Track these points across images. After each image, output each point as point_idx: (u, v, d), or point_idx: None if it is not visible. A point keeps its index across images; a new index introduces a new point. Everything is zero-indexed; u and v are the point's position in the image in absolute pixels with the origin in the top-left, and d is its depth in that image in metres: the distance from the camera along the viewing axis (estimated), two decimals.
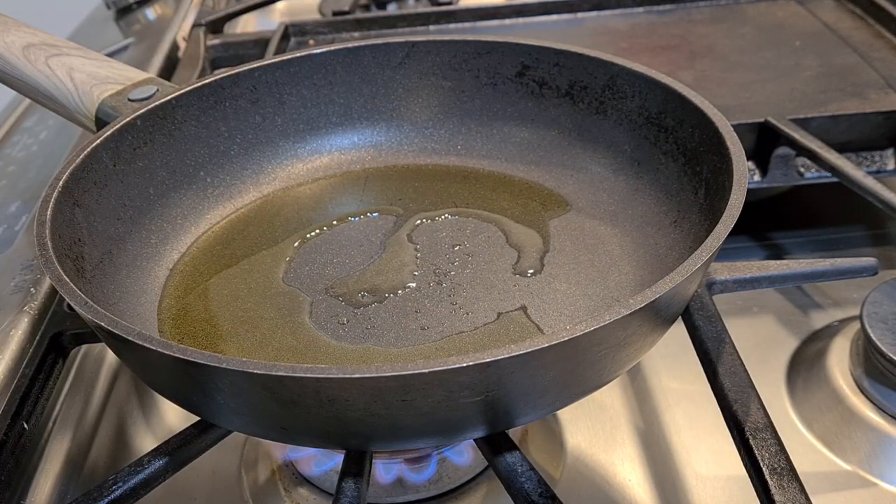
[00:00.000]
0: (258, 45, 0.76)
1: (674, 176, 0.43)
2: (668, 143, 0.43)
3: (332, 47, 0.51)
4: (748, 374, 0.36)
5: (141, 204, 0.45)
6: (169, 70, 0.77)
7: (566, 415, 0.46)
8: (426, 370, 0.26)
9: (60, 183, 0.39)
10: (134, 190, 0.45)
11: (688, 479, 0.42)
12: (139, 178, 0.45)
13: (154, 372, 0.32)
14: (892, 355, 0.41)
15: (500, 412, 0.30)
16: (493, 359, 0.26)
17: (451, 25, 0.76)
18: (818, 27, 0.69)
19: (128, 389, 0.50)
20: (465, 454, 0.41)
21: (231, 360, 0.27)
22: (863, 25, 0.69)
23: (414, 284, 0.42)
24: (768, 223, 0.61)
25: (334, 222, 0.48)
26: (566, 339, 0.27)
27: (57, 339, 0.45)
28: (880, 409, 0.43)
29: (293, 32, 0.77)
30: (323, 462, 0.42)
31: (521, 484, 0.32)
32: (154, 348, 0.28)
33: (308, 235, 0.47)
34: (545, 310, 0.40)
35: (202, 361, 0.27)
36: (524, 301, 0.40)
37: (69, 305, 0.46)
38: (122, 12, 0.94)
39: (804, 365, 0.47)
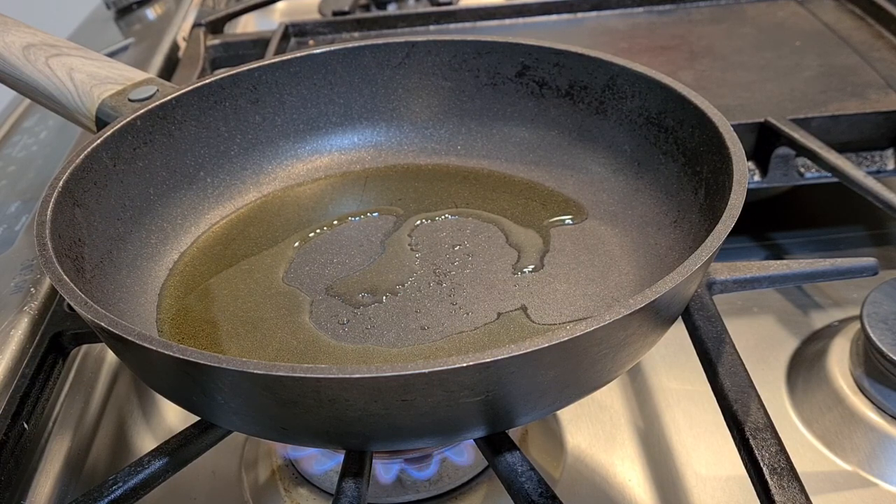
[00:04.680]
0: (258, 45, 0.76)
1: (674, 176, 0.43)
2: (668, 143, 0.43)
3: (332, 47, 0.51)
4: (748, 374, 0.36)
5: (141, 204, 0.45)
6: (169, 70, 0.77)
7: (566, 415, 0.46)
8: (426, 370, 0.26)
9: (60, 183, 0.39)
10: (134, 190, 0.45)
11: (688, 479, 0.42)
12: (139, 178, 0.45)
13: (154, 372, 0.32)
14: (892, 355, 0.41)
15: (500, 412, 0.30)
16: (493, 359, 0.26)
17: (451, 25, 0.76)
18: (818, 27, 0.69)
19: (128, 389, 0.50)
20: (465, 454, 0.41)
21: (231, 360, 0.27)
22: (863, 25, 0.69)
23: (414, 284, 0.42)
24: (768, 223, 0.61)
25: (334, 222, 0.48)
26: (566, 339, 0.27)
27: (57, 339, 0.45)
28: (880, 409, 0.43)
29: (293, 32, 0.77)
30: (323, 462, 0.42)
31: (522, 484, 0.32)
32: (154, 348, 0.28)
33: (308, 235, 0.47)
34: (545, 310, 0.40)
35: (202, 361, 0.27)
36: (524, 301, 0.40)
37: (69, 305, 0.46)
38: (122, 12, 0.94)
39: (804, 365, 0.47)
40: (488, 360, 0.26)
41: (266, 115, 0.50)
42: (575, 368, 0.30)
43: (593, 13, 0.77)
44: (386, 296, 0.42)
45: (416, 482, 0.41)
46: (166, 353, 0.28)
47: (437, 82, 0.51)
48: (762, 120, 0.54)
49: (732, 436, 0.34)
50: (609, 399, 0.47)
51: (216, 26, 0.82)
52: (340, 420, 0.29)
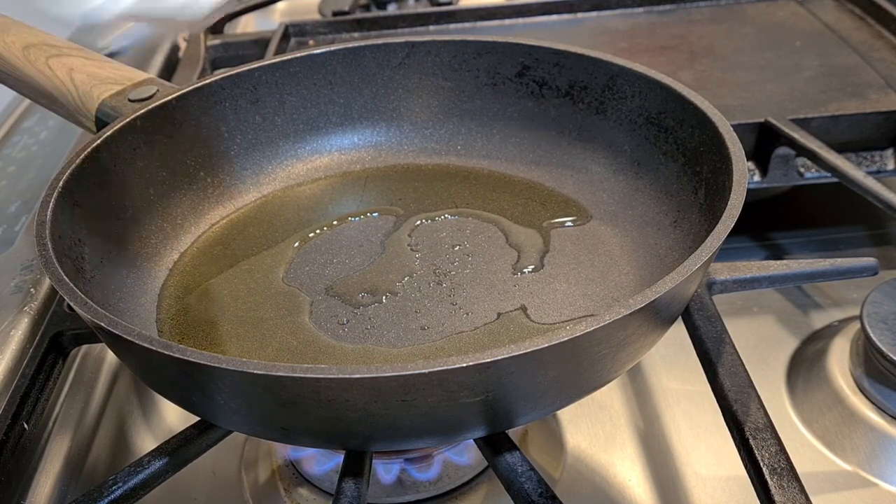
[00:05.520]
0: (258, 45, 0.76)
1: (674, 176, 0.43)
2: (668, 143, 0.43)
3: (332, 47, 0.51)
4: (748, 374, 0.36)
5: (141, 204, 0.45)
6: (169, 70, 0.77)
7: (566, 415, 0.46)
8: (426, 370, 0.26)
9: (60, 183, 0.39)
10: (134, 190, 0.45)
11: (688, 479, 0.42)
12: (139, 178, 0.45)
13: (154, 372, 0.32)
14: (892, 355, 0.41)
15: (500, 412, 0.30)
16: (493, 359, 0.26)
17: (451, 25, 0.76)
18: (818, 27, 0.69)
19: (128, 389, 0.50)
20: (465, 454, 0.41)
21: (231, 360, 0.27)
22: (863, 25, 0.69)
23: (414, 284, 0.42)
24: (768, 223, 0.61)
25: (334, 222, 0.48)
26: (566, 339, 0.27)
27: (57, 339, 0.45)
28: (880, 409, 0.43)
29: (293, 33, 0.77)
30: (323, 462, 0.42)
31: (521, 484, 0.32)
32: (154, 348, 0.28)
33: (308, 235, 0.47)
34: (545, 310, 0.40)
35: (202, 361, 0.27)
36: (524, 301, 0.40)
37: (69, 305, 0.46)
38: None
39: (804, 365, 0.47)
40: (488, 360, 0.26)
41: (266, 115, 0.50)
42: (575, 368, 0.30)
43: (593, 13, 0.77)
44: (386, 296, 0.42)
45: (416, 482, 0.41)
46: (166, 353, 0.28)
47: (437, 82, 0.51)
48: (762, 120, 0.54)
49: (732, 436, 0.34)
50: (609, 399, 0.47)
51: (216, 27, 0.82)
52: (340, 420, 0.29)
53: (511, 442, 0.34)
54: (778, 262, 0.41)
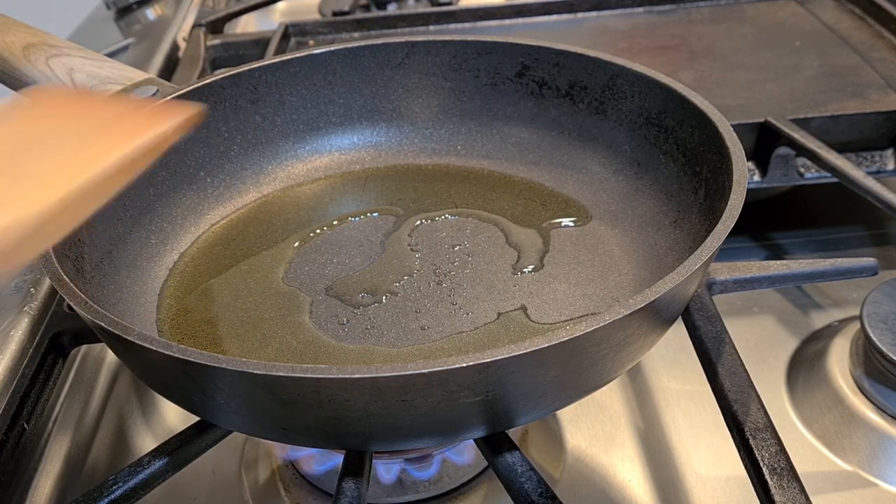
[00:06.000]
0: (258, 45, 0.76)
1: (674, 176, 0.43)
2: (668, 143, 0.43)
3: (332, 47, 0.51)
4: (748, 374, 0.36)
5: (141, 204, 0.45)
6: (169, 70, 0.77)
7: (566, 415, 0.46)
8: (426, 370, 0.26)
9: None
10: (134, 190, 0.45)
11: (688, 479, 0.42)
12: (139, 178, 0.45)
13: (154, 372, 0.32)
14: (892, 355, 0.41)
15: (499, 412, 0.30)
16: (493, 359, 0.26)
17: (451, 26, 0.76)
18: (818, 27, 0.69)
19: (128, 389, 0.50)
20: (465, 454, 0.41)
21: (231, 360, 0.27)
22: (863, 25, 0.69)
23: (414, 284, 0.42)
24: (768, 223, 0.61)
25: (334, 222, 0.48)
26: (566, 339, 0.27)
27: (57, 339, 0.45)
28: (880, 409, 0.43)
29: (293, 32, 0.77)
30: (323, 462, 0.42)
31: (521, 484, 0.32)
32: (154, 348, 0.28)
33: (308, 235, 0.47)
34: (545, 310, 0.40)
35: (202, 361, 0.27)
36: (524, 301, 0.40)
37: (69, 305, 0.46)
38: (122, 12, 0.94)
39: (804, 365, 0.47)
40: (488, 360, 0.26)
41: (266, 115, 0.50)
42: (575, 368, 0.30)
43: (593, 13, 0.77)
44: (386, 296, 0.42)
45: (416, 482, 0.41)
46: (166, 353, 0.28)
47: (437, 82, 0.51)
48: (762, 120, 0.54)
49: (732, 436, 0.34)
50: (609, 399, 0.47)
51: (216, 26, 0.82)
52: (340, 420, 0.29)
53: (511, 442, 0.34)
54: (778, 262, 0.41)
